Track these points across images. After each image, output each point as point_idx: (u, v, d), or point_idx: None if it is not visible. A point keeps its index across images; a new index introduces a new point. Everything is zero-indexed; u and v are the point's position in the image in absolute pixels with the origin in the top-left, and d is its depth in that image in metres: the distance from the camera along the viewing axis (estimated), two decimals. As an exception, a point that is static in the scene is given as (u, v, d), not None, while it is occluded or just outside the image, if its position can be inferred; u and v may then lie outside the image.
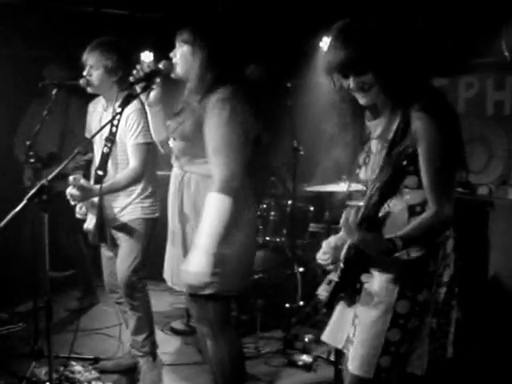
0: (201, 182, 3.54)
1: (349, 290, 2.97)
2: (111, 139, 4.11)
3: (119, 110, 3.52)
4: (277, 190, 6.93)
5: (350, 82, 2.76)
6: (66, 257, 6.60)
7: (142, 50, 8.37)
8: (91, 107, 4.81)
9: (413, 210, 2.83)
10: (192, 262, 3.31)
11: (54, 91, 4.87)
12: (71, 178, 4.08)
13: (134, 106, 4.32)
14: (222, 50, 3.50)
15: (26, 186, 6.40)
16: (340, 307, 3.11)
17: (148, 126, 4.26)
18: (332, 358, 5.00)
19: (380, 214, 2.78)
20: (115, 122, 3.93)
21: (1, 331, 5.72)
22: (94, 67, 4.46)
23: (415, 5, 6.11)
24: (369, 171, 2.94)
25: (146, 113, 4.33)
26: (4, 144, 6.77)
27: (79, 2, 7.02)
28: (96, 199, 4.33)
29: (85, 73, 4.49)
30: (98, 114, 4.67)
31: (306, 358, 5.18)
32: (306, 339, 5.52)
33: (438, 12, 6.02)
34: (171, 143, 3.65)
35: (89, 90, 4.55)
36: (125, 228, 4.62)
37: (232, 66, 3.55)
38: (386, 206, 2.81)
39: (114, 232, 4.68)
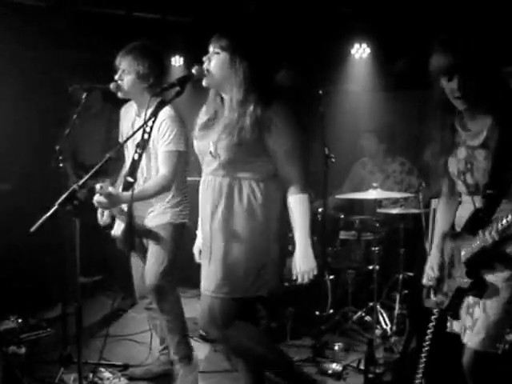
0: (256, 186, 3.61)
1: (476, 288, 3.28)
2: (142, 146, 4.08)
3: (151, 116, 3.50)
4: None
5: (454, 84, 3.10)
6: (94, 262, 6.59)
7: (172, 54, 8.40)
8: (123, 111, 4.74)
9: None
10: (304, 258, 3.78)
11: (84, 95, 4.77)
12: (98, 185, 4.02)
13: (167, 112, 4.27)
14: (262, 59, 3.54)
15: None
16: None
17: (181, 134, 4.24)
18: (362, 366, 4.97)
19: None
20: (147, 129, 3.90)
21: (29, 337, 5.70)
22: (125, 72, 4.40)
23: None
24: (475, 177, 3.25)
25: (179, 120, 4.33)
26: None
27: (110, 5, 7.02)
28: (125, 206, 4.33)
29: (116, 77, 4.44)
30: (131, 119, 4.59)
31: (335, 367, 5.12)
32: (336, 347, 5.47)
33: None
34: (212, 150, 3.59)
35: (119, 94, 4.50)
36: (153, 233, 4.57)
37: (270, 74, 3.61)
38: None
39: (143, 237, 4.66)
